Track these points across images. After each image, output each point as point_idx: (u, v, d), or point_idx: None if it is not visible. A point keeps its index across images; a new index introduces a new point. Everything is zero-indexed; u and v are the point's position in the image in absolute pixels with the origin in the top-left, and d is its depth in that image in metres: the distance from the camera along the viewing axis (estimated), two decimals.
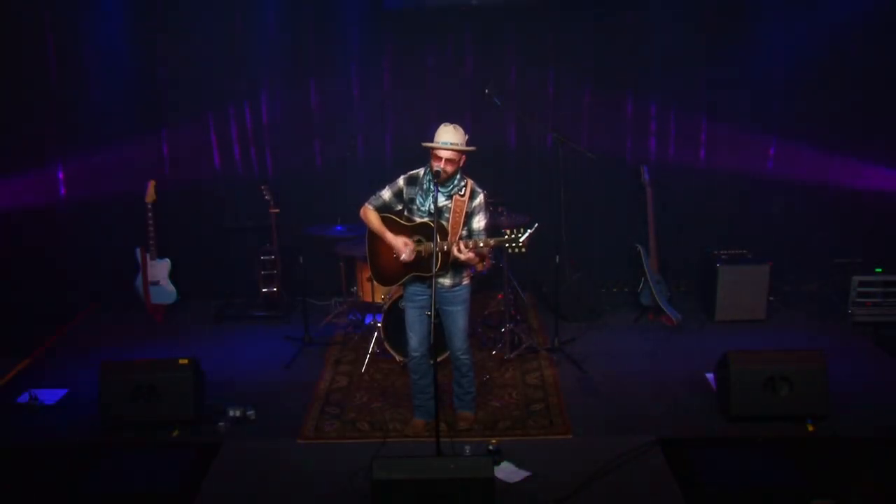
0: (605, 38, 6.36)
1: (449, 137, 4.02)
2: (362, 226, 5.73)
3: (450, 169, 4.04)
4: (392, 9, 6.21)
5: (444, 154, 4.01)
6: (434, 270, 3.90)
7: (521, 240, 3.81)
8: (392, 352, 5.34)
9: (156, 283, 6.41)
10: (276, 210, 6.22)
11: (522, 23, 6.35)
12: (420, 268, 4.16)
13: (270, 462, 4.26)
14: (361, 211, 4.29)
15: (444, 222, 4.10)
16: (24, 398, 4.95)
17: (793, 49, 6.27)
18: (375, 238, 4.31)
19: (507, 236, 3.84)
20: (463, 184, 4.14)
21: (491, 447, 4.19)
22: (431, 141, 4.09)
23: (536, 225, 3.89)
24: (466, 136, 4.08)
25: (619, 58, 6.39)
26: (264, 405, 4.84)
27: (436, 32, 6.40)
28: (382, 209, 4.27)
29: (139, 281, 6.41)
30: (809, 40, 6.21)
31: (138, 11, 6.28)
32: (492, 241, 3.97)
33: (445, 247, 4.02)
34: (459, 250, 3.94)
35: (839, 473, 4.02)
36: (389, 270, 4.31)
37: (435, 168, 4.03)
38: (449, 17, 6.34)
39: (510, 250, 3.85)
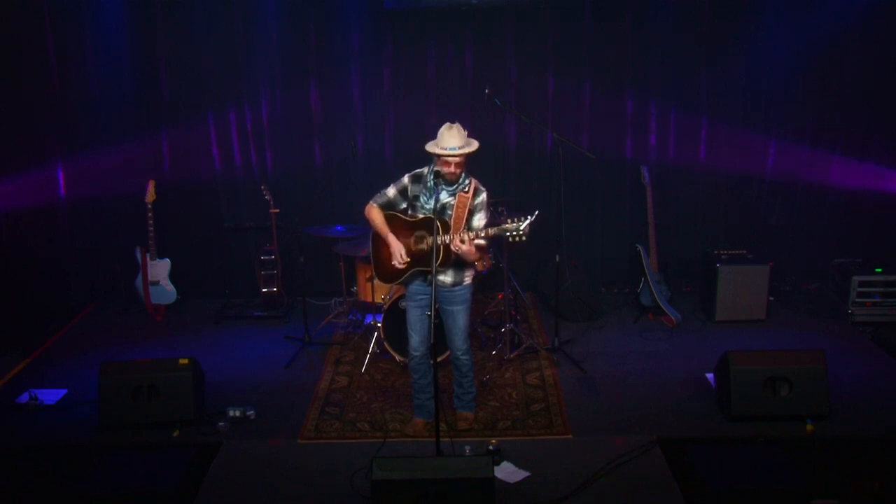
0: (605, 38, 6.35)
1: (455, 142, 4.04)
2: (362, 226, 5.79)
3: (458, 171, 4.09)
4: (392, 9, 6.20)
5: (454, 160, 4.04)
6: (434, 266, 3.90)
7: (521, 228, 3.82)
8: (392, 352, 5.34)
9: (156, 283, 6.41)
10: (276, 210, 6.23)
11: (522, 23, 6.35)
12: (423, 262, 4.18)
13: (270, 462, 4.26)
14: (366, 209, 4.31)
15: (446, 218, 4.11)
16: (24, 398, 4.94)
17: (793, 49, 6.27)
18: (379, 235, 4.33)
19: (508, 224, 3.84)
20: (467, 182, 4.16)
21: (491, 447, 4.19)
22: (432, 141, 4.11)
23: (537, 212, 3.88)
24: (466, 132, 4.11)
25: (618, 57, 6.38)
26: (264, 405, 4.85)
27: (436, 32, 6.39)
28: (387, 206, 4.29)
29: (139, 281, 6.41)
30: (809, 40, 6.21)
31: (138, 11, 6.27)
32: (492, 230, 3.97)
33: (448, 239, 4.02)
34: (462, 241, 3.94)
35: (839, 473, 4.03)
36: (392, 267, 4.32)
37: (444, 172, 4.06)
38: (449, 17, 6.33)
39: (511, 239, 3.85)
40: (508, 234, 3.84)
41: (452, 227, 4.09)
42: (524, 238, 3.83)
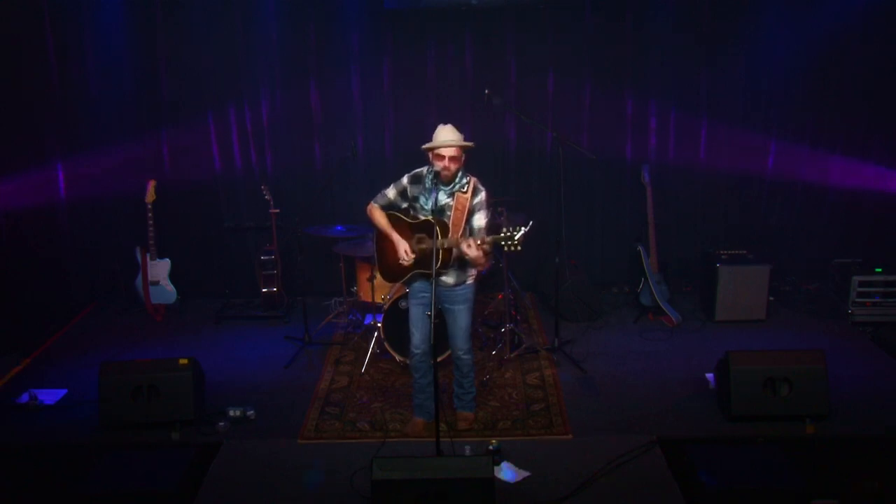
0: (605, 38, 6.36)
1: (449, 136, 4.06)
2: (362, 226, 5.80)
3: (454, 167, 4.09)
4: (392, 9, 6.20)
5: (448, 152, 4.05)
6: (434, 268, 3.91)
7: (516, 238, 3.83)
8: (392, 352, 5.34)
9: (156, 283, 6.41)
10: (276, 210, 6.23)
11: (522, 23, 6.35)
12: (423, 265, 4.19)
13: (270, 462, 4.26)
14: (368, 209, 4.34)
15: (445, 220, 4.12)
16: (24, 398, 4.94)
17: (793, 49, 6.27)
18: (383, 234, 4.34)
19: (503, 234, 3.86)
20: (466, 181, 4.17)
21: (491, 447, 4.19)
22: (430, 143, 4.12)
23: (532, 223, 3.90)
24: (462, 135, 4.13)
25: (618, 58, 6.39)
26: (264, 405, 4.85)
27: (436, 32, 6.40)
28: (388, 207, 4.31)
29: (139, 281, 6.41)
30: (809, 40, 6.21)
31: (138, 11, 6.27)
32: (489, 239, 3.99)
33: (445, 244, 4.03)
34: (469, 246, 3.95)
35: (839, 473, 4.03)
36: (395, 267, 4.34)
37: (438, 167, 4.08)
38: (449, 17, 6.34)
39: (506, 248, 3.87)
40: (504, 244, 3.86)
41: (451, 229, 4.11)
42: (519, 248, 3.85)
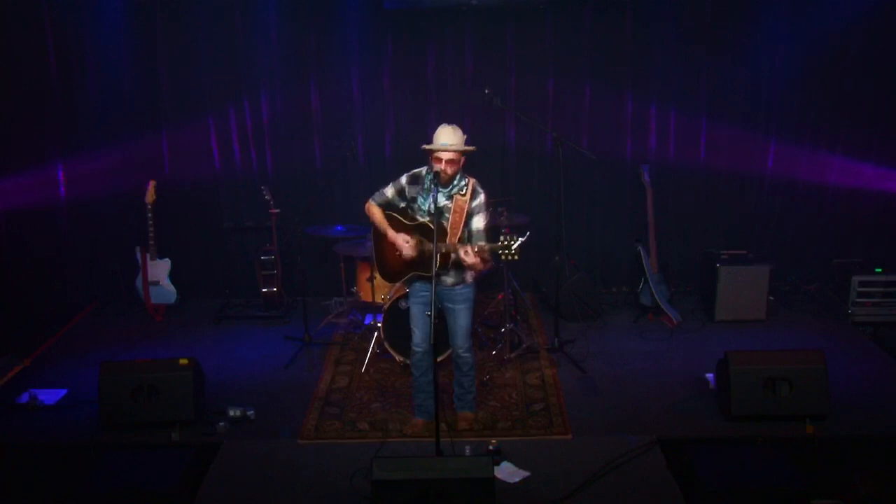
0: (605, 38, 6.35)
1: (448, 138, 4.05)
2: (362, 226, 5.80)
3: (451, 170, 4.07)
4: (392, 9, 6.20)
5: (445, 156, 4.04)
6: (434, 270, 3.91)
7: (513, 247, 3.85)
8: (392, 352, 5.34)
9: (156, 283, 6.41)
10: (276, 210, 6.23)
11: (522, 22, 6.35)
12: (421, 267, 4.19)
13: (270, 462, 4.26)
14: (366, 206, 4.35)
15: (443, 222, 4.11)
16: (24, 398, 4.94)
17: (793, 49, 6.27)
18: (380, 233, 4.35)
19: (500, 243, 3.87)
20: (464, 183, 4.16)
21: (491, 447, 4.19)
22: (430, 142, 4.11)
23: (528, 233, 3.93)
24: (465, 136, 4.12)
25: (618, 57, 6.38)
26: (264, 405, 4.85)
27: (436, 32, 6.40)
28: (385, 206, 4.32)
29: (139, 281, 6.41)
30: (809, 40, 6.21)
31: (138, 11, 6.27)
32: (486, 247, 4.00)
33: (444, 248, 4.03)
34: (466, 253, 3.96)
35: (839, 473, 4.03)
36: (393, 267, 4.35)
37: (436, 170, 4.06)
38: (449, 17, 6.33)
39: (503, 257, 3.88)
40: (500, 252, 3.87)
41: (450, 232, 4.10)
42: (516, 257, 3.86)
